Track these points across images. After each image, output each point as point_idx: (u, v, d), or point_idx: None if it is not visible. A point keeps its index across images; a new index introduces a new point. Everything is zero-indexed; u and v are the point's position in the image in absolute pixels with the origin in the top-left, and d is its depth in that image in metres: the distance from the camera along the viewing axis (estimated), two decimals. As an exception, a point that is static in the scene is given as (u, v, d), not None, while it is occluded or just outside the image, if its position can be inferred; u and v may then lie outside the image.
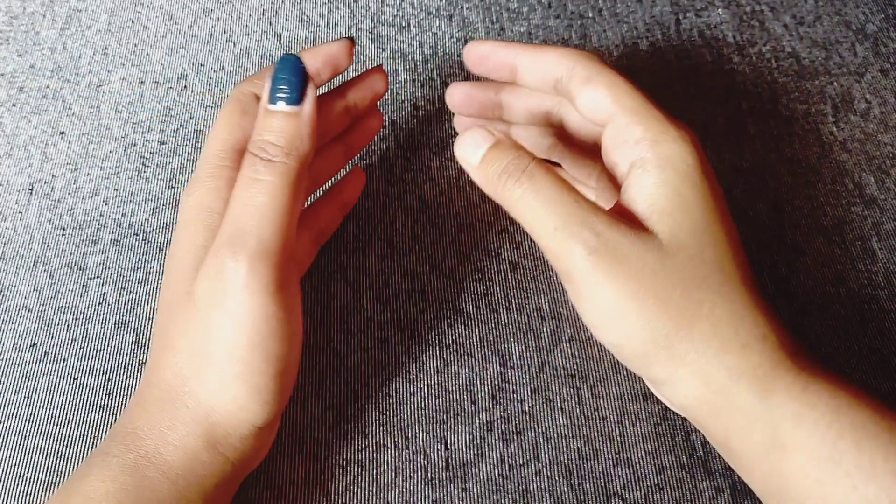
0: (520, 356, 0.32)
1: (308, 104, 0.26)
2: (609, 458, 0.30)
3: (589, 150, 0.31)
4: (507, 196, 0.25)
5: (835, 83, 0.39)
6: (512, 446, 0.30)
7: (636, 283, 0.23)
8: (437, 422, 0.30)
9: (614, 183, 0.27)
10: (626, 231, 0.24)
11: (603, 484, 0.29)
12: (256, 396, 0.24)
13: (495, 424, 0.30)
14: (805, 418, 0.22)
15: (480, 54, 0.30)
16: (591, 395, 0.31)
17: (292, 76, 0.26)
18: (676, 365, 0.24)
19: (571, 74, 0.27)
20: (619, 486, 0.29)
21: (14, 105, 0.37)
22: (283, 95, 0.26)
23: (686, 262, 0.24)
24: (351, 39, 0.28)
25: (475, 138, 0.26)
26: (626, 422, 0.30)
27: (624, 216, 0.25)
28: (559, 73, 0.28)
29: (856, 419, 0.22)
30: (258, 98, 0.27)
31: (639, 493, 0.29)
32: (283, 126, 0.25)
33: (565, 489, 0.29)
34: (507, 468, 0.29)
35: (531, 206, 0.24)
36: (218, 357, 0.24)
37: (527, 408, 0.31)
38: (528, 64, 0.29)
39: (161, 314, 0.26)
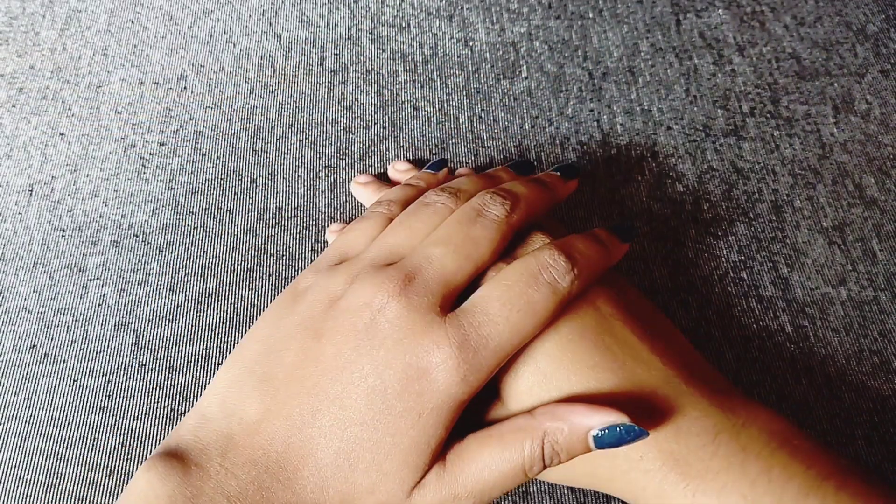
0: (520, 357, 0.32)
1: None
2: (609, 460, 0.30)
3: None
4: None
5: (835, 84, 0.39)
6: (512, 448, 0.30)
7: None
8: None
9: None
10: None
11: (603, 486, 0.29)
12: None
13: (495, 426, 0.30)
14: None
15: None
16: (592, 396, 0.31)
17: (629, 443, 0.23)
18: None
19: None
20: (619, 488, 0.29)
21: (14, 106, 0.37)
22: (606, 444, 0.23)
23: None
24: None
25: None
26: (627, 423, 0.30)
27: None
28: None
29: None
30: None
31: (639, 494, 0.29)
32: (578, 454, 0.24)
33: (565, 490, 0.29)
34: (507, 470, 0.29)
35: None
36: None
37: (527, 409, 0.31)
38: None
39: (361, 470, 0.23)
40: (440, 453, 0.24)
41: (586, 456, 0.24)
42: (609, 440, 0.23)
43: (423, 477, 0.23)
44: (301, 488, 0.23)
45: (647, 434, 0.23)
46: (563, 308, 0.25)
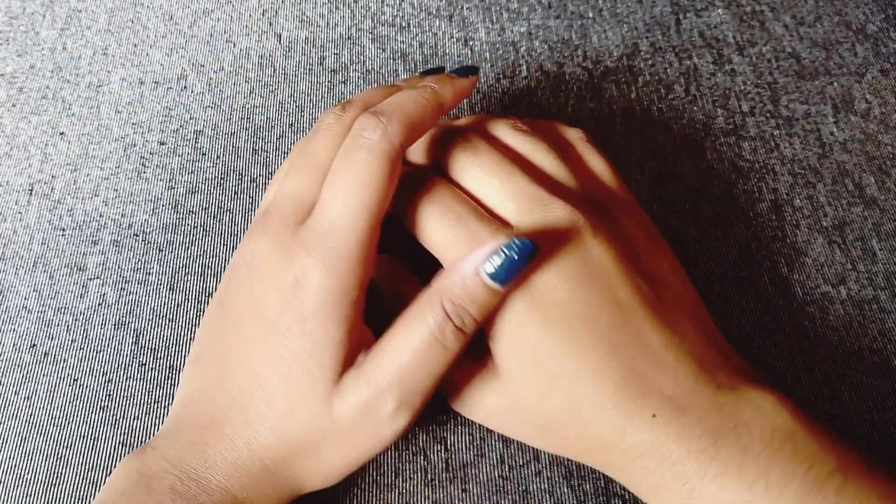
0: (520, 357, 0.32)
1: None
2: (609, 459, 0.30)
3: None
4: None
5: (835, 83, 0.39)
6: (512, 447, 0.30)
7: (491, 421, 0.27)
8: (436, 422, 0.30)
9: None
10: (477, 383, 0.26)
11: (603, 485, 0.29)
12: (338, 480, 0.26)
13: (495, 425, 0.30)
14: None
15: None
16: (592, 395, 0.31)
17: (525, 264, 0.23)
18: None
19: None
20: (619, 487, 0.29)
21: (14, 105, 0.37)
22: (504, 277, 0.23)
23: (537, 411, 0.25)
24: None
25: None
26: (627, 423, 0.30)
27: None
28: None
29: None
30: (402, 158, 0.26)
31: (639, 494, 0.29)
32: (487, 302, 0.24)
33: (565, 490, 0.29)
34: (507, 469, 0.29)
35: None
36: (334, 463, 0.25)
37: (527, 409, 0.31)
38: None
39: (275, 394, 0.24)
40: (353, 356, 0.25)
41: (601, 446, 0.24)
42: (503, 271, 0.23)
43: (338, 382, 0.24)
44: (232, 432, 0.25)
45: (538, 248, 0.23)
46: (396, 161, 0.25)
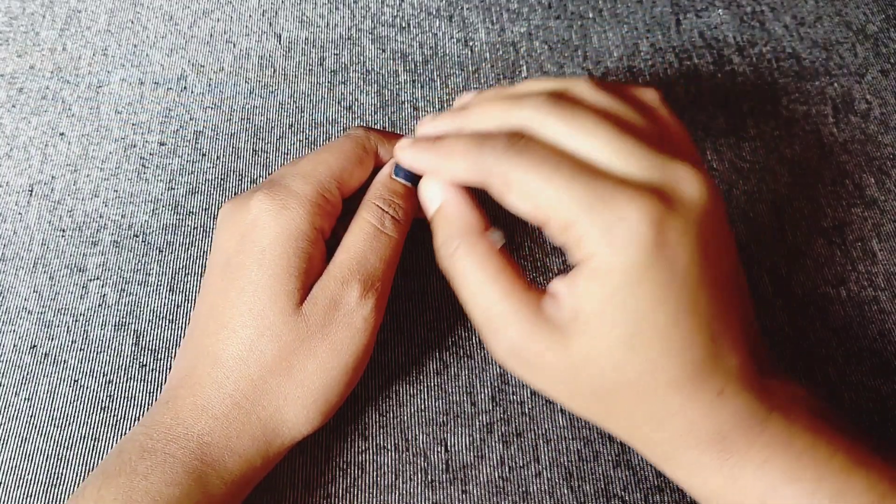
0: (520, 358, 0.32)
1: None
2: (609, 460, 0.30)
3: None
4: (441, 265, 0.25)
5: (835, 84, 0.39)
6: (512, 448, 0.30)
7: (551, 387, 0.24)
8: (437, 424, 0.30)
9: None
10: (543, 338, 0.23)
11: (603, 486, 0.29)
12: (326, 416, 0.27)
13: (495, 426, 0.30)
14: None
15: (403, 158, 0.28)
16: (592, 396, 0.31)
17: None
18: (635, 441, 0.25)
19: (486, 183, 0.24)
20: (619, 488, 0.29)
21: (14, 106, 0.37)
22: (407, 174, 0.29)
23: (604, 372, 0.23)
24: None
25: (429, 191, 0.26)
26: (627, 423, 0.30)
27: (556, 302, 0.23)
28: (474, 182, 0.25)
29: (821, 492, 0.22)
30: (374, 155, 0.30)
31: (639, 494, 0.29)
32: (405, 196, 0.29)
33: (565, 491, 0.29)
34: (507, 470, 0.29)
35: (459, 290, 0.25)
36: (313, 381, 0.26)
37: (527, 409, 0.31)
38: (446, 174, 0.26)
39: (239, 325, 0.26)
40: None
41: (657, 419, 0.23)
42: (402, 170, 0.29)
43: (305, 298, 0.26)
44: (201, 376, 0.26)
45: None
46: (369, 157, 0.29)
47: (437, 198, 0.26)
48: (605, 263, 0.21)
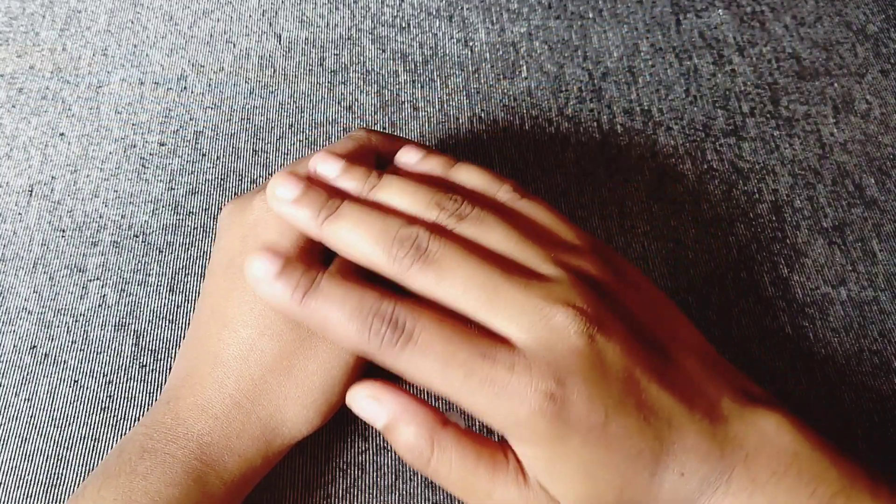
0: (520, 358, 0.32)
1: None
2: (609, 460, 0.30)
3: None
4: (421, 471, 0.24)
5: (835, 84, 0.39)
6: (512, 448, 0.30)
7: None
8: (437, 424, 0.30)
9: None
10: (540, 491, 0.23)
11: (603, 486, 0.29)
12: (326, 416, 0.26)
13: (495, 426, 0.30)
14: None
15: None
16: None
17: None
18: None
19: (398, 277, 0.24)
20: (619, 489, 0.29)
21: (14, 106, 0.37)
22: None
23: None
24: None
25: (369, 409, 0.24)
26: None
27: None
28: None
29: None
30: (375, 156, 0.29)
31: (639, 495, 0.29)
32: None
33: (565, 491, 0.29)
34: (507, 470, 0.29)
35: (448, 484, 0.23)
36: (314, 381, 0.26)
37: (527, 410, 0.31)
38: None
39: (240, 325, 0.26)
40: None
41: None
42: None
43: None
44: (203, 376, 0.26)
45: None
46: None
47: (381, 414, 0.23)
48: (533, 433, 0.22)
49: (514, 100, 0.39)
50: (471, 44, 0.40)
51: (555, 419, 0.21)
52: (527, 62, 0.40)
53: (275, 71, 0.39)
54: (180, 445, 0.24)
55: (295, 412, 0.26)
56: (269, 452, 0.26)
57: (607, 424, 0.22)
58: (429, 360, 0.22)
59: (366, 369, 0.28)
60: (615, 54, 0.40)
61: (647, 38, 0.41)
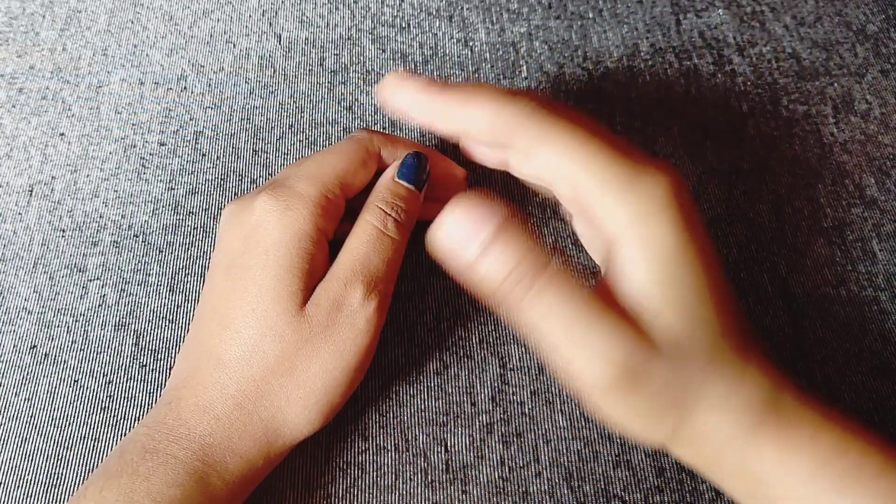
0: (519, 358, 0.32)
1: (423, 192, 0.30)
2: (609, 461, 0.30)
3: None
4: (509, 307, 0.21)
5: (835, 84, 0.39)
6: (512, 448, 0.30)
7: (649, 398, 0.22)
8: (437, 424, 0.30)
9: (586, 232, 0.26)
10: (643, 350, 0.21)
11: (603, 486, 0.29)
12: (328, 416, 0.27)
13: (495, 426, 0.30)
14: (787, 477, 0.22)
15: (401, 97, 0.24)
16: (592, 397, 0.31)
17: (421, 169, 0.30)
18: (672, 445, 0.23)
19: (514, 132, 0.22)
20: (619, 489, 0.29)
21: (14, 106, 0.37)
22: (411, 177, 0.29)
23: (684, 361, 0.22)
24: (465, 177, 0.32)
25: (471, 218, 0.20)
26: (627, 424, 0.30)
27: (609, 300, 0.22)
28: (496, 130, 0.22)
29: (841, 471, 0.22)
30: (377, 157, 0.30)
31: (639, 495, 0.29)
32: (408, 198, 0.29)
33: (565, 491, 0.29)
34: (507, 470, 0.29)
35: (546, 320, 0.21)
36: (315, 382, 0.26)
37: (527, 410, 0.31)
38: (458, 116, 0.23)
39: (242, 326, 0.26)
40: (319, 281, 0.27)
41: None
42: (406, 173, 0.29)
43: (308, 299, 0.26)
44: (204, 376, 0.26)
45: (422, 156, 0.29)
46: (371, 159, 0.30)
47: (484, 224, 0.20)
48: (661, 240, 0.21)
49: (514, 100, 0.39)
50: (471, 44, 0.40)
51: (683, 226, 0.21)
52: (527, 62, 0.40)
53: (275, 71, 0.39)
54: (182, 446, 0.24)
55: (297, 413, 0.26)
56: (271, 453, 0.26)
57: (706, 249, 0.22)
58: (570, 122, 0.22)
59: (366, 370, 0.28)
60: (615, 54, 0.40)
61: (647, 38, 0.41)
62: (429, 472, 0.29)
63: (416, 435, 0.30)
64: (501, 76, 0.39)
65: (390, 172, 0.30)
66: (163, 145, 0.37)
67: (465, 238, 0.21)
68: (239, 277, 0.26)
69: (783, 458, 0.22)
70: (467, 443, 0.30)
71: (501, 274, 0.20)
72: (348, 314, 0.26)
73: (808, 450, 0.22)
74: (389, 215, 0.28)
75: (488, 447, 0.30)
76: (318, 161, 0.28)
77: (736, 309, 0.23)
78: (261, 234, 0.26)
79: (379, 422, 0.30)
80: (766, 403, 0.23)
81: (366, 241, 0.27)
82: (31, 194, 0.35)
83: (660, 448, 0.26)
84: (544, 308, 0.20)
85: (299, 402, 0.26)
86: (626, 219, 0.21)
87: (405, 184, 0.29)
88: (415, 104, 0.23)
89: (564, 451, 0.30)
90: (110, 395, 0.31)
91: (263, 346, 0.25)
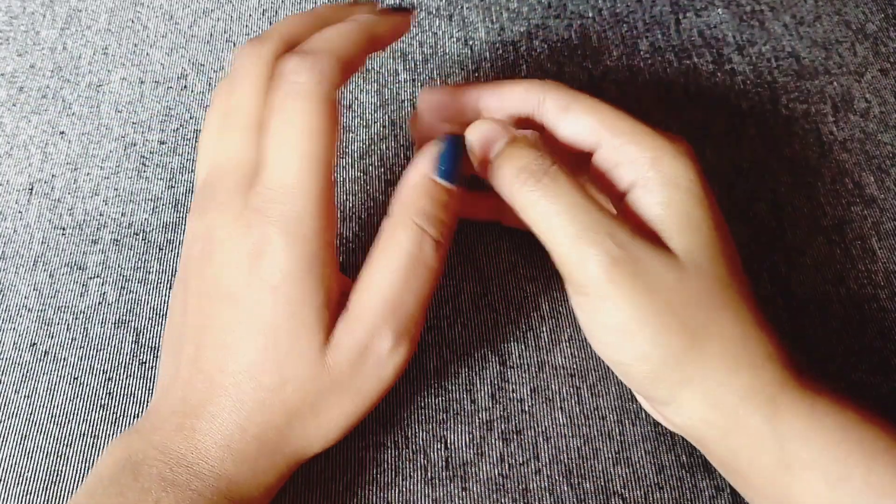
0: (519, 356, 0.32)
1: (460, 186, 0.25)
2: (609, 458, 0.30)
3: (576, 161, 0.28)
4: (522, 198, 0.24)
5: (835, 83, 0.39)
6: (512, 445, 0.30)
7: (655, 298, 0.22)
8: (436, 421, 0.30)
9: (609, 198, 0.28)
10: (647, 244, 0.23)
11: (603, 483, 0.29)
12: (339, 439, 0.26)
13: (495, 424, 0.30)
14: (813, 437, 0.22)
15: (438, 103, 0.28)
16: (591, 394, 0.31)
17: (460, 157, 0.25)
18: (684, 386, 0.23)
19: (545, 106, 0.27)
20: (618, 486, 0.29)
21: (14, 105, 0.38)
22: (453, 173, 0.24)
23: (699, 280, 0.23)
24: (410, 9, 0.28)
25: (492, 131, 0.25)
26: (626, 421, 0.30)
27: (640, 230, 0.24)
28: (529, 107, 0.27)
29: (864, 437, 0.22)
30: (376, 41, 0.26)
31: (639, 492, 0.29)
32: (451, 206, 0.24)
33: (565, 488, 0.29)
34: (506, 467, 0.29)
35: (550, 210, 0.23)
36: (338, 422, 0.25)
37: (526, 407, 0.31)
38: (494, 104, 0.28)
39: (259, 372, 0.23)
40: (338, 311, 0.24)
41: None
42: (447, 166, 0.24)
43: (328, 338, 0.23)
44: (219, 413, 0.23)
45: (461, 137, 0.25)
46: (335, 104, 0.23)
47: (501, 136, 0.25)
48: (679, 180, 0.24)
49: (514, 99, 0.39)
50: (471, 43, 0.40)
51: (701, 179, 0.25)
52: (527, 61, 0.40)
53: (275, 70, 0.39)
54: (207, 484, 0.23)
55: (319, 445, 0.25)
56: (286, 475, 0.26)
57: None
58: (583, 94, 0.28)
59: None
60: (614, 53, 0.40)
61: (647, 37, 0.41)
62: (428, 469, 0.29)
63: (415, 432, 0.30)
64: (501, 75, 0.39)
65: (424, 166, 0.24)
66: (163, 144, 0.37)
67: (494, 136, 0.25)
68: (246, 318, 0.23)
69: (808, 431, 0.22)
70: (467, 440, 0.30)
71: (516, 167, 0.24)
72: (374, 364, 0.24)
73: (834, 416, 0.22)
74: (428, 233, 0.23)
75: (488, 444, 0.30)
76: (296, 159, 0.23)
77: (742, 270, 0.25)
78: (263, 269, 0.23)
79: (378, 419, 0.30)
80: (788, 360, 0.23)
81: (398, 275, 0.23)
82: (31, 192, 0.35)
83: (654, 396, 0.25)
84: (550, 198, 0.23)
85: (321, 437, 0.25)
86: (650, 160, 0.25)
87: (447, 184, 0.24)
88: (457, 113, 0.28)
89: (564, 448, 0.30)
90: (110, 392, 0.31)
91: (285, 394, 0.23)
